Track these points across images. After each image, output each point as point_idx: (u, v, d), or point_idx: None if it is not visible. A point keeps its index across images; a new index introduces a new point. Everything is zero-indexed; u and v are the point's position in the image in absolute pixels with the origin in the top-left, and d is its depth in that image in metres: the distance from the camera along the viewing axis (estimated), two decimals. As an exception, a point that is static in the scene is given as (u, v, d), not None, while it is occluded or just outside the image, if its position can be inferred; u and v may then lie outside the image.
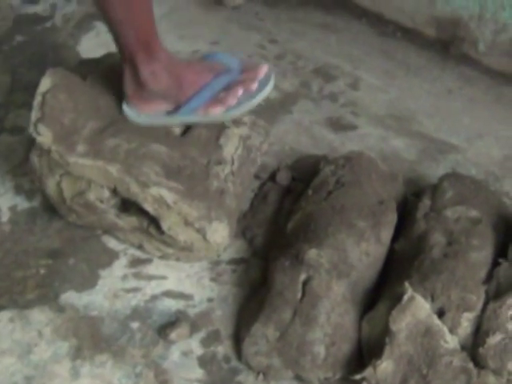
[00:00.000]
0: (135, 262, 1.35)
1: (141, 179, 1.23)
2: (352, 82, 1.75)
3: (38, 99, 1.26)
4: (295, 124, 1.63)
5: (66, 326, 1.26)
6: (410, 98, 1.72)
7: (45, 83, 1.27)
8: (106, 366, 1.21)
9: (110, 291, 1.31)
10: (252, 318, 1.21)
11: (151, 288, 1.32)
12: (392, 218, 1.29)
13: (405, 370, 1.10)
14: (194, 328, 1.26)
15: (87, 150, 1.24)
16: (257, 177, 1.46)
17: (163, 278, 1.33)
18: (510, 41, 1.71)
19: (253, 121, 1.40)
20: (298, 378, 1.19)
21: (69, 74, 1.31)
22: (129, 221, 1.30)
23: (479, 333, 1.12)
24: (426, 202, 1.32)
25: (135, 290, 1.31)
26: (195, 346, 1.24)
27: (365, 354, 1.17)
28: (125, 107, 1.30)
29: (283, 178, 1.46)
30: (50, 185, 1.31)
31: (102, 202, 1.28)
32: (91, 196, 1.27)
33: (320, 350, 1.16)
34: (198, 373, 1.21)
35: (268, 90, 1.30)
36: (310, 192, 1.34)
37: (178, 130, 1.33)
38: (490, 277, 1.20)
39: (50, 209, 1.40)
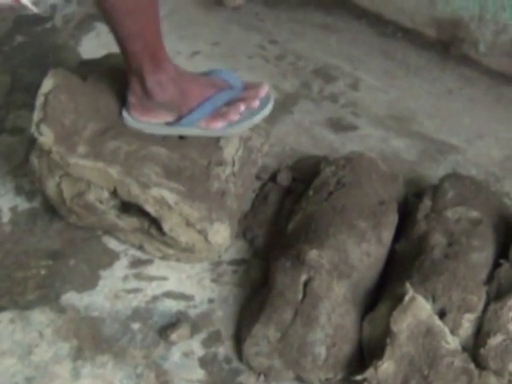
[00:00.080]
0: (136, 263, 1.35)
1: (141, 180, 1.23)
2: (352, 82, 1.75)
3: (40, 100, 1.26)
4: (296, 125, 1.63)
5: (67, 327, 1.26)
6: (410, 98, 1.72)
7: (47, 84, 1.27)
8: (106, 366, 1.21)
9: (111, 292, 1.31)
10: (253, 319, 1.21)
11: (152, 289, 1.32)
12: (393, 219, 1.29)
13: (406, 370, 1.10)
14: (195, 329, 1.26)
15: (88, 152, 1.25)
16: (257, 177, 1.46)
17: (164, 278, 1.33)
18: (511, 41, 1.71)
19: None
20: (298, 378, 1.19)
21: (70, 74, 1.31)
22: (129, 221, 1.30)
23: (480, 334, 1.13)
24: (426, 203, 1.32)
25: (136, 290, 1.31)
26: (196, 346, 1.24)
27: (366, 354, 1.17)
28: (125, 114, 1.30)
29: (284, 178, 1.46)
30: (50, 186, 1.31)
31: (101, 202, 1.28)
32: (91, 197, 1.27)
33: (321, 350, 1.16)
34: (199, 373, 1.21)
35: (269, 108, 1.31)
36: (310, 193, 1.34)
37: (176, 133, 1.34)
38: (490, 278, 1.20)
39: (51, 210, 1.40)
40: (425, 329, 1.11)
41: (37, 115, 1.26)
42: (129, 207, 1.28)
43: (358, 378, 1.11)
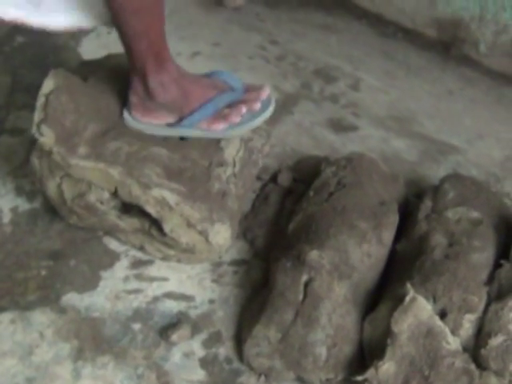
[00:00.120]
0: (136, 264, 1.35)
1: (142, 181, 1.23)
2: (353, 82, 1.75)
3: (41, 100, 1.26)
4: (296, 125, 1.63)
5: (68, 328, 1.26)
6: (410, 98, 1.72)
7: (48, 84, 1.27)
8: (107, 367, 1.21)
9: (112, 293, 1.31)
10: (253, 320, 1.21)
11: (152, 289, 1.32)
12: (393, 219, 1.29)
13: (407, 371, 1.10)
14: (196, 329, 1.26)
15: (89, 153, 1.25)
16: (258, 178, 1.46)
17: (164, 279, 1.33)
18: (511, 42, 1.71)
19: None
20: (299, 379, 1.19)
21: (70, 75, 1.31)
22: (130, 222, 1.30)
23: (481, 334, 1.13)
24: (427, 203, 1.32)
25: (137, 291, 1.31)
26: (197, 347, 1.24)
27: (366, 355, 1.17)
28: (126, 115, 1.30)
29: (284, 179, 1.46)
30: (51, 186, 1.30)
31: (102, 203, 1.28)
32: (92, 198, 1.27)
33: (321, 351, 1.16)
34: (200, 374, 1.21)
35: (270, 111, 1.32)
36: (311, 193, 1.34)
37: (177, 134, 1.34)
38: (491, 278, 1.20)
39: (51, 210, 1.40)
40: (425, 329, 1.11)
41: (37, 116, 1.26)
42: (129, 208, 1.28)
43: (359, 378, 1.11)
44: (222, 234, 1.26)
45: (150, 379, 1.20)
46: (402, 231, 1.31)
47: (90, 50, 1.79)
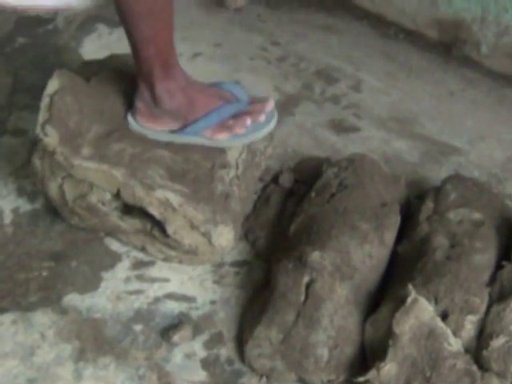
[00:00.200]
0: (138, 265, 1.35)
1: (146, 182, 1.23)
2: (354, 84, 1.75)
3: (45, 100, 1.26)
4: (298, 126, 1.63)
5: (69, 329, 1.26)
6: (412, 100, 1.72)
7: (52, 85, 1.27)
8: (109, 368, 1.21)
9: (113, 293, 1.31)
10: (255, 321, 1.21)
11: (154, 290, 1.32)
12: (395, 221, 1.29)
13: (408, 372, 1.10)
14: (197, 330, 1.26)
15: (92, 154, 1.24)
16: (260, 179, 1.46)
17: (166, 280, 1.33)
18: (513, 43, 1.71)
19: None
20: (301, 380, 1.18)
21: (74, 75, 1.31)
22: (132, 223, 1.30)
23: (483, 335, 1.12)
24: (428, 205, 1.32)
25: (138, 292, 1.31)
26: (198, 348, 1.24)
27: (368, 356, 1.17)
28: (130, 119, 1.30)
29: (286, 180, 1.45)
30: (52, 187, 1.30)
31: (104, 204, 1.28)
32: (93, 199, 1.27)
33: (323, 352, 1.16)
34: (201, 375, 1.21)
35: (274, 123, 1.33)
36: (312, 194, 1.34)
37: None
38: (493, 279, 1.20)
39: (53, 211, 1.40)
40: (427, 330, 1.11)
41: (42, 116, 1.25)
42: (131, 209, 1.28)
43: (361, 379, 1.11)
44: (225, 236, 1.26)
45: (151, 380, 1.20)
46: (403, 232, 1.31)
47: (92, 50, 1.79)
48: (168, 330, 1.25)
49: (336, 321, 1.17)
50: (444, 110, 1.69)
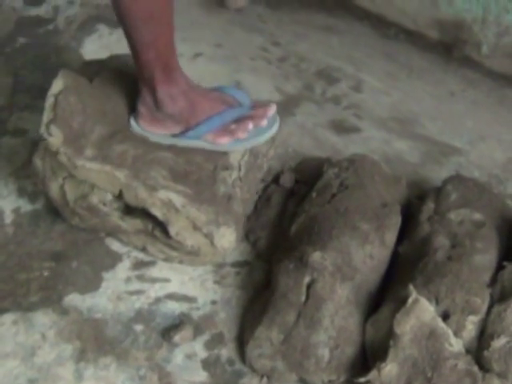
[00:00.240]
0: (139, 265, 1.35)
1: (149, 183, 1.23)
2: (355, 84, 1.75)
3: (50, 100, 1.26)
4: (298, 126, 1.63)
5: (70, 329, 1.26)
6: (412, 100, 1.72)
7: (57, 84, 1.27)
8: (109, 368, 1.21)
9: (114, 294, 1.31)
10: (256, 321, 1.21)
11: (155, 290, 1.32)
12: (396, 221, 1.29)
13: (409, 372, 1.10)
14: (198, 331, 1.26)
15: (95, 155, 1.24)
16: (260, 179, 1.46)
17: (167, 280, 1.33)
18: (513, 43, 1.71)
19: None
20: (302, 381, 1.19)
21: (77, 76, 1.30)
22: (133, 223, 1.30)
23: (484, 336, 1.13)
24: (429, 205, 1.32)
25: (139, 292, 1.31)
26: (199, 348, 1.24)
27: (369, 356, 1.17)
28: (133, 122, 1.30)
29: (287, 180, 1.45)
30: (53, 187, 1.30)
31: (105, 205, 1.28)
32: (94, 199, 1.27)
33: (324, 352, 1.16)
34: (202, 375, 1.21)
35: (276, 128, 1.33)
36: (313, 194, 1.34)
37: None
38: (494, 280, 1.20)
39: (53, 211, 1.40)
40: (428, 331, 1.11)
41: (47, 116, 1.25)
42: (132, 209, 1.28)
43: (361, 380, 1.11)
44: (227, 238, 1.26)
45: (152, 380, 1.20)
46: (404, 233, 1.31)
47: (92, 50, 1.78)
48: (169, 330, 1.25)
49: (337, 321, 1.17)
50: (444, 111, 1.69)
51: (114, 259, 1.36)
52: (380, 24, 1.91)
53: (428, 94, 1.73)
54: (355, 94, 1.73)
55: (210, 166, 1.30)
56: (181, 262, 1.33)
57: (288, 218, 1.37)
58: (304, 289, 1.19)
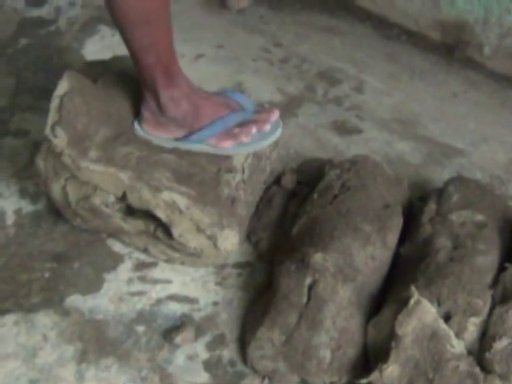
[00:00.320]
0: (140, 266, 1.35)
1: (152, 184, 1.23)
2: (357, 85, 1.75)
3: (55, 102, 1.26)
4: (300, 127, 1.63)
5: (71, 330, 1.26)
6: (414, 101, 1.72)
7: (62, 86, 1.26)
8: (111, 369, 1.21)
9: (115, 295, 1.31)
10: (257, 322, 1.21)
11: (156, 292, 1.32)
12: (398, 222, 1.29)
13: (411, 374, 1.10)
14: (200, 332, 1.26)
15: (99, 156, 1.24)
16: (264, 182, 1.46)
17: (168, 281, 1.33)
18: (515, 45, 1.71)
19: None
20: (303, 382, 1.19)
21: (82, 77, 1.30)
22: (134, 224, 1.30)
23: (486, 337, 1.12)
24: (431, 206, 1.32)
25: (140, 293, 1.31)
26: (200, 349, 1.24)
27: (370, 358, 1.17)
28: (136, 126, 1.30)
29: (288, 181, 1.45)
30: (55, 188, 1.30)
31: (107, 206, 1.28)
32: (96, 200, 1.27)
33: (326, 354, 1.16)
34: (204, 377, 1.21)
35: (279, 133, 1.33)
36: (315, 196, 1.34)
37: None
38: (496, 281, 1.19)
39: (55, 212, 1.40)
40: (430, 332, 1.11)
41: (52, 117, 1.25)
42: (134, 210, 1.28)
43: (363, 381, 1.11)
44: (231, 240, 1.26)
45: (153, 381, 1.20)
46: (406, 234, 1.31)
47: (94, 51, 1.79)
48: (170, 331, 1.25)
49: (338, 322, 1.16)
50: (447, 112, 1.69)
51: (116, 260, 1.36)
52: (382, 25, 1.91)
53: (430, 95, 1.73)
54: (357, 95, 1.73)
55: (213, 168, 1.30)
56: (182, 263, 1.33)
57: (289, 219, 1.37)
58: (305, 290, 1.19)
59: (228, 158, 1.32)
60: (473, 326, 1.12)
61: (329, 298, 1.17)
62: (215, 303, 1.30)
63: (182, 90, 1.26)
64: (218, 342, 1.25)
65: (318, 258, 1.19)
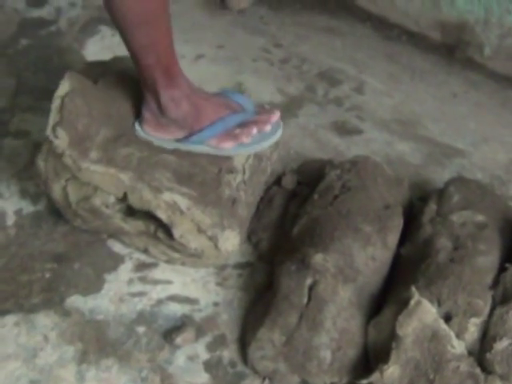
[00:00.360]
0: (141, 266, 1.35)
1: (153, 184, 1.22)
2: (357, 86, 1.75)
3: (56, 102, 1.25)
4: (300, 128, 1.63)
5: (72, 330, 1.26)
6: (415, 102, 1.72)
7: (63, 86, 1.26)
8: (111, 370, 1.21)
9: (116, 295, 1.31)
10: (258, 323, 1.21)
11: (157, 292, 1.32)
12: (398, 223, 1.29)
13: (411, 374, 1.10)
14: (200, 332, 1.26)
15: (100, 157, 1.24)
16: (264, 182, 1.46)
17: (169, 282, 1.33)
18: (516, 45, 1.71)
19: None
20: (304, 382, 1.19)
21: (83, 78, 1.30)
22: (135, 225, 1.30)
23: (486, 338, 1.12)
24: (431, 207, 1.32)
25: (141, 294, 1.31)
26: (201, 350, 1.24)
27: (371, 358, 1.17)
28: (137, 127, 1.30)
29: (289, 182, 1.45)
30: (56, 189, 1.30)
31: (107, 206, 1.28)
32: (97, 201, 1.27)
33: (326, 354, 1.16)
34: (204, 377, 1.21)
35: (279, 134, 1.33)
36: (315, 196, 1.34)
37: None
38: (496, 282, 1.19)
39: (56, 213, 1.40)
40: (430, 333, 1.11)
41: (53, 118, 1.25)
42: (134, 211, 1.28)
43: (364, 382, 1.11)
44: (231, 241, 1.26)
45: (154, 382, 1.20)
46: (406, 234, 1.31)
47: (94, 52, 1.79)
48: (171, 332, 1.25)
49: (339, 323, 1.16)
50: (447, 112, 1.69)
51: (116, 261, 1.36)
52: (382, 26, 1.91)
53: (430, 96, 1.73)
54: (357, 95, 1.73)
55: (214, 168, 1.30)
56: (183, 263, 1.33)
57: (290, 219, 1.37)
58: (306, 290, 1.19)
59: (229, 158, 1.32)
60: (473, 327, 1.12)
61: (329, 299, 1.17)
62: (216, 304, 1.30)
63: (182, 90, 1.25)
64: (218, 342, 1.25)
65: (318, 258, 1.19)
